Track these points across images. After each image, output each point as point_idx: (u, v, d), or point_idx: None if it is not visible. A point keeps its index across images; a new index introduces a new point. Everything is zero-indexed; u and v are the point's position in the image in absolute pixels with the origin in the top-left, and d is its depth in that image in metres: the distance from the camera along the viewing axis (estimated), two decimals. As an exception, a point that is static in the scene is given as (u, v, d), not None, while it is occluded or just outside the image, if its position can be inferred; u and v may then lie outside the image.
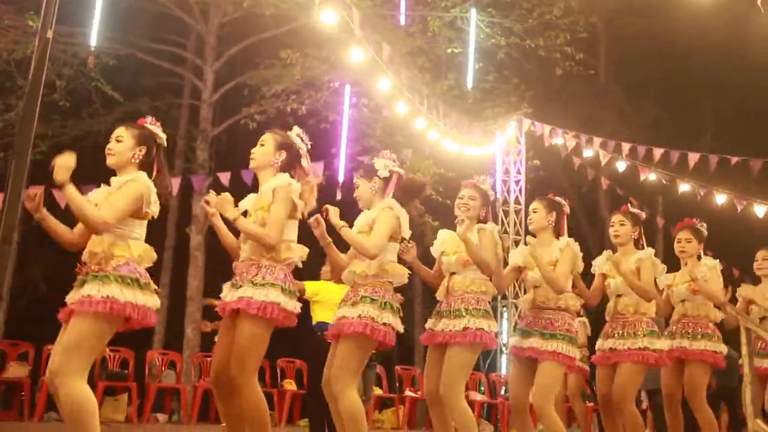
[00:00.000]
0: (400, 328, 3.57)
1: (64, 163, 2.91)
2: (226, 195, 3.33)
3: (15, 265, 10.14)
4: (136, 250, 3.02)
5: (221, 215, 3.37)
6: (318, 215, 3.58)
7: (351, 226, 3.67)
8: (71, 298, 2.98)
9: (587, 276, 4.44)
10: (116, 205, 2.98)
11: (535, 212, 4.24)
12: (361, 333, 3.41)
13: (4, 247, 3.48)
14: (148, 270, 3.12)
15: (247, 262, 3.29)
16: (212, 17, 10.61)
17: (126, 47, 10.34)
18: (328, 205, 3.57)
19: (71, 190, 2.90)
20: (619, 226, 4.50)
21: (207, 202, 3.38)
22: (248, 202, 3.43)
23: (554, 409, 4.00)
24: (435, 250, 4.06)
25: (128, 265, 2.97)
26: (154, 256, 3.12)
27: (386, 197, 3.69)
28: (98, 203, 3.06)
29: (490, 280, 3.91)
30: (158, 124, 3.28)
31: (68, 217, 3.17)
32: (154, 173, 3.20)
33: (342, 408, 3.40)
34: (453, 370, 3.73)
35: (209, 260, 10.10)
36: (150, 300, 3.00)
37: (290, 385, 9.06)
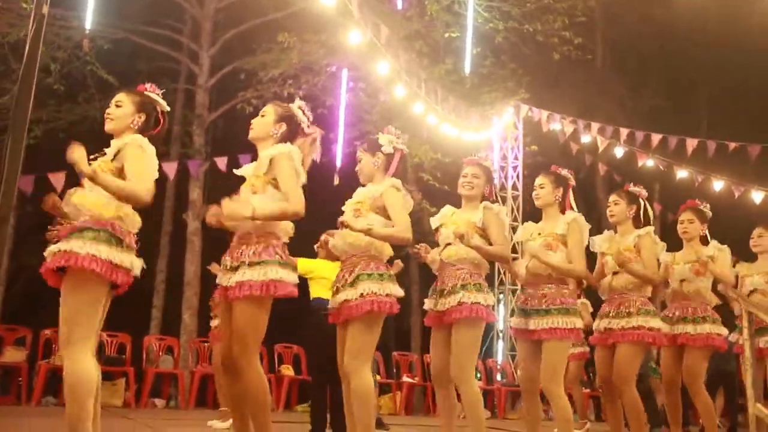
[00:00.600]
0: (401, 293, 3.56)
1: (81, 154, 2.76)
2: (228, 205, 3.14)
3: (11, 250, 10.12)
4: (114, 211, 2.90)
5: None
6: (325, 236, 3.55)
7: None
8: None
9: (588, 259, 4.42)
10: (145, 171, 2.93)
11: (542, 187, 4.17)
12: (369, 311, 3.41)
13: (1, 228, 3.45)
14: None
15: (239, 240, 3.23)
16: (208, 1, 10.52)
17: (121, 31, 10.27)
18: (342, 218, 3.51)
19: (103, 177, 2.80)
20: (614, 206, 4.48)
21: (218, 221, 3.28)
22: (248, 169, 3.38)
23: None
24: (434, 223, 4.05)
25: (97, 222, 2.86)
26: (138, 221, 3.00)
27: (389, 174, 3.66)
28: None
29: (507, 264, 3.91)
30: (158, 91, 3.22)
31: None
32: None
33: (354, 387, 3.39)
34: (461, 350, 3.70)
35: (206, 245, 10.09)
36: (118, 256, 2.85)
37: (288, 371, 9.09)
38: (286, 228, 3.28)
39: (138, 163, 2.94)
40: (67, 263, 2.80)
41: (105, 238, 2.85)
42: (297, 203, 3.15)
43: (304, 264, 5.00)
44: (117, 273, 2.87)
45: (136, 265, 2.94)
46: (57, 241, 2.91)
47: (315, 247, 3.59)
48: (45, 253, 2.91)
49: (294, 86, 10.43)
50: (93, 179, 2.80)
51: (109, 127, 3.10)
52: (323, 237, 3.61)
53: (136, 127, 3.09)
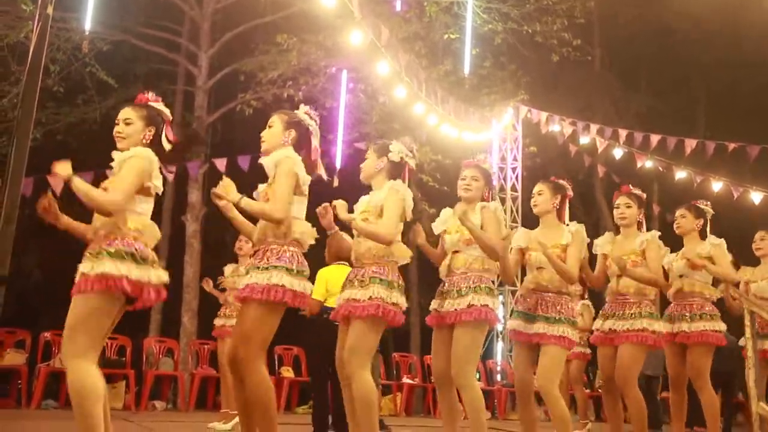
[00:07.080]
0: (405, 307, 3.58)
1: (62, 163, 2.89)
2: (226, 180, 3.30)
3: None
4: (132, 223, 2.94)
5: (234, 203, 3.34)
6: (326, 204, 3.58)
7: (350, 211, 3.68)
8: (77, 277, 2.95)
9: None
10: (122, 184, 2.93)
11: (540, 194, 4.21)
12: (373, 315, 3.42)
13: (6, 228, 3.46)
14: None
15: (256, 247, 3.31)
16: (207, 3, 10.51)
17: (120, 33, 10.26)
18: (335, 202, 3.57)
19: (77, 182, 2.88)
20: (626, 208, 4.49)
21: (216, 195, 3.32)
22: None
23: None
24: (436, 228, 4.05)
25: (123, 240, 2.89)
26: (157, 233, 3.05)
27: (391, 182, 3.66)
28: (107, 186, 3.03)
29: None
30: (160, 99, 3.23)
31: (65, 205, 3.15)
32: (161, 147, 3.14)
33: (355, 389, 3.41)
34: (463, 350, 3.70)
35: (205, 248, 10.08)
36: (146, 274, 2.90)
37: (288, 373, 9.09)
38: (310, 233, 3.30)
39: (128, 175, 2.94)
40: (108, 288, 2.81)
41: (134, 259, 2.88)
42: (278, 207, 3.18)
43: (320, 289, 4.98)
44: (135, 289, 2.87)
45: (153, 278, 2.94)
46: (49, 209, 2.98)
47: (317, 210, 3.63)
48: (77, 276, 2.91)
49: (293, 88, 10.43)
50: (71, 183, 2.88)
51: (121, 145, 3.09)
52: (323, 207, 3.61)
53: (148, 142, 3.09)
